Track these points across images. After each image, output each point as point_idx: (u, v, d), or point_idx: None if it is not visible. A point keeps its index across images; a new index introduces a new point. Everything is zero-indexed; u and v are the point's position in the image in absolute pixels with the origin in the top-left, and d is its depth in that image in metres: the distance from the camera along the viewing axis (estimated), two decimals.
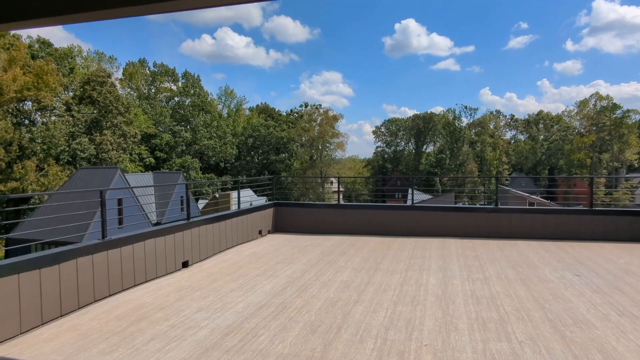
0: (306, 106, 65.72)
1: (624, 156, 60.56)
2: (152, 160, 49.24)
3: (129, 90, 54.64)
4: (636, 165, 63.01)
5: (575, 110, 66.92)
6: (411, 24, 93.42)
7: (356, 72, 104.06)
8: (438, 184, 63.26)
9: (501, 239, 8.77)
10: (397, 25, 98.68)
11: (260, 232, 9.53)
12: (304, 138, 60.04)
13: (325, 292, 5.43)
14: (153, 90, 57.29)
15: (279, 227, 10.23)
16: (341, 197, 56.61)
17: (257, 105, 71.12)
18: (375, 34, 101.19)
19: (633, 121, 62.53)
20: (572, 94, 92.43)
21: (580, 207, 8.77)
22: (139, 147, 46.35)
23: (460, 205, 13.20)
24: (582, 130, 65.02)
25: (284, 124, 63.95)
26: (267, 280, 6.04)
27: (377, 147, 78.99)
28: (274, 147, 60.11)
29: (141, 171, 43.23)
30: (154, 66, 57.93)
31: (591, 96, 64.19)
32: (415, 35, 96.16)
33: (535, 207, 8.98)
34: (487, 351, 3.69)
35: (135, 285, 5.75)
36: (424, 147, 74.89)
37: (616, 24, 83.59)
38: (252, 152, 61.21)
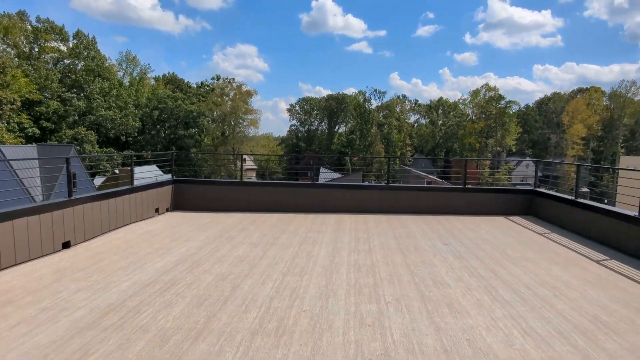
0: (218, 79, 63.05)
1: (505, 142, 69.23)
2: (37, 130, 43.35)
3: (4, 47, 46.82)
4: (514, 150, 72.61)
5: (469, 99, 74.18)
6: (327, 2, 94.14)
7: (273, 47, 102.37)
8: (348, 163, 66.04)
9: (391, 214, 9.63)
10: (313, 3, 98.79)
11: (157, 210, 9.15)
12: (215, 113, 57.79)
13: (219, 267, 5.51)
14: (36, 50, 49.87)
15: (179, 204, 9.92)
16: (254, 175, 56.11)
17: (164, 75, 66.31)
18: (292, 9, 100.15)
19: (513, 111, 71.59)
20: (468, 83, 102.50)
21: (456, 186, 9.99)
22: (19, 115, 40.39)
23: (358, 183, 14.22)
24: (474, 117, 72.51)
25: (194, 97, 60.70)
26: (159, 258, 5.91)
27: (291, 126, 79.45)
28: (183, 121, 56.87)
29: (22, 143, 37.87)
30: (37, 21, 50.25)
31: (482, 87, 71.59)
32: (332, 14, 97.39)
33: (420, 185, 9.96)
34: (358, 312, 4.15)
35: (1, 270, 5.21)
36: (337, 127, 77.20)
37: (506, 23, 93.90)
38: (158, 126, 57.22)
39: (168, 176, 10.34)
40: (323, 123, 77.86)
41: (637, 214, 6.34)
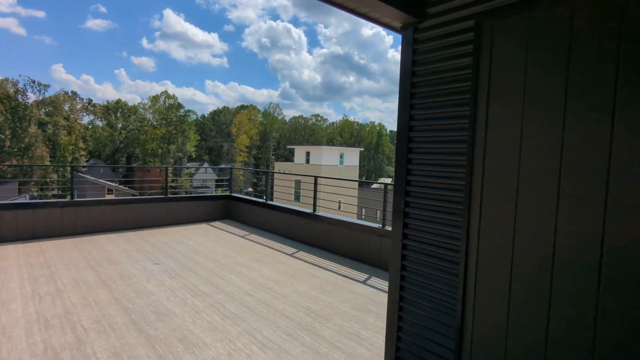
0: None
1: (186, 148, 71.91)
2: None
3: None
4: (194, 155, 76.63)
5: (149, 104, 72.11)
6: None
7: None
8: None
9: (79, 236, 7.67)
10: None
11: None
12: None
13: None
14: None
15: None
16: None
17: None
18: None
19: (192, 119, 75.51)
20: (147, 88, 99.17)
21: (158, 196, 9.15)
22: None
23: (24, 200, 10.53)
24: (155, 123, 71.10)
25: None
26: None
27: None
28: None
29: None
30: None
31: (161, 93, 71.31)
32: None
33: (115, 197, 8.51)
34: None
35: None
36: None
37: (181, 36, 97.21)
38: None
39: None
40: None
41: (312, 211, 7.76)
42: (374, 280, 5.67)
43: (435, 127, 3.07)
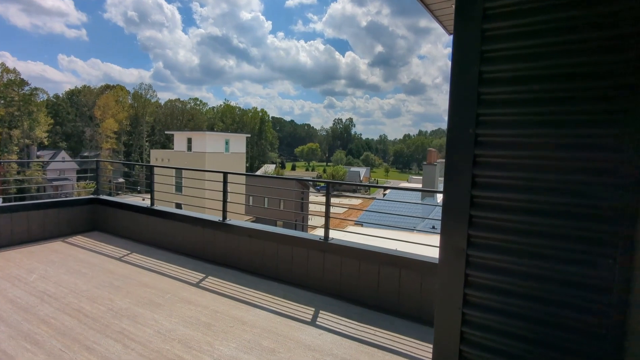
0: None
1: (35, 134, 58.65)
2: None
3: None
4: (47, 142, 63.22)
5: None
6: None
7: None
8: None
9: None
10: None
11: None
12: None
13: None
14: None
15: None
16: None
17: None
18: None
19: (41, 99, 61.84)
20: None
21: None
22: None
23: None
24: None
25: None
26: None
27: None
28: None
29: None
30: None
31: None
32: None
33: None
34: None
35: None
36: None
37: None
38: None
39: None
40: None
41: (221, 219, 5.73)
42: (325, 317, 4.08)
43: (535, 95, 1.58)
